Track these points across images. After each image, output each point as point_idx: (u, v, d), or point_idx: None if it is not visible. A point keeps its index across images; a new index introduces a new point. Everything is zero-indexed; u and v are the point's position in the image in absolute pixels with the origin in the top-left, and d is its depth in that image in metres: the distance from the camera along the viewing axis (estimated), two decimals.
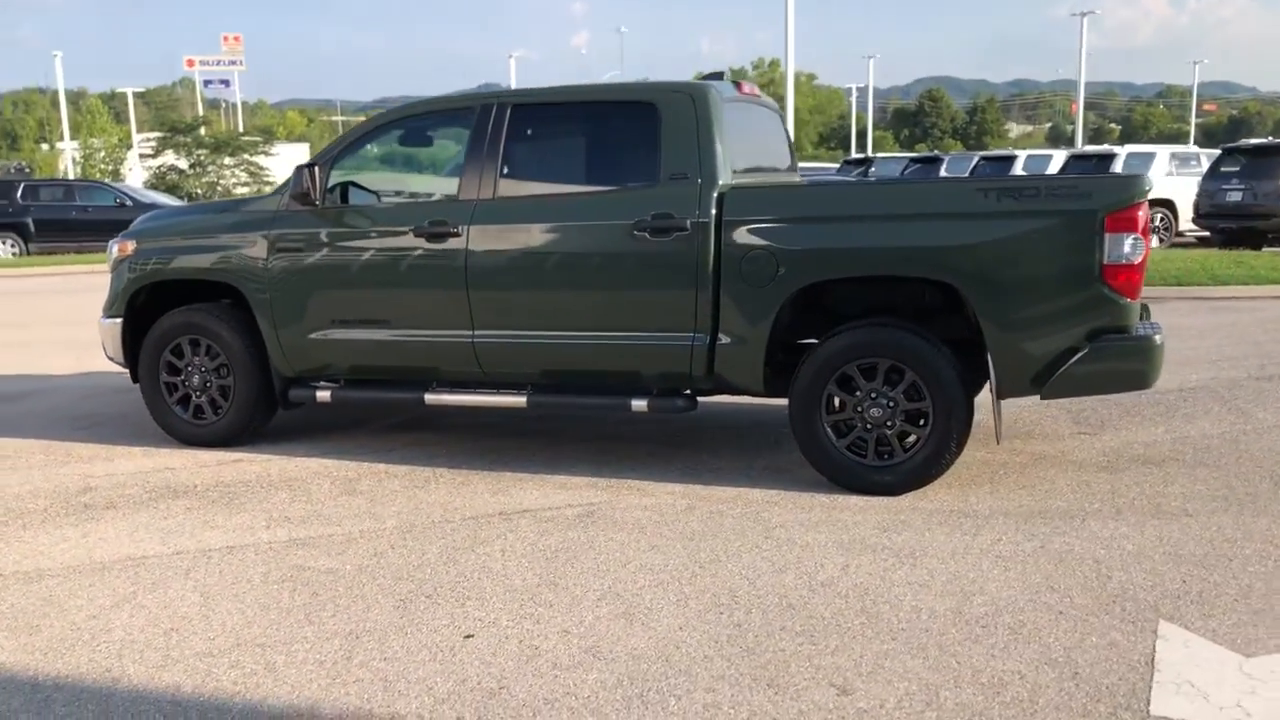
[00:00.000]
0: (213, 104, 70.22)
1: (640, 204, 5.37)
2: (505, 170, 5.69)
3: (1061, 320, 4.92)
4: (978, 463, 5.74)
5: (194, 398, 6.45)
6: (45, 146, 59.37)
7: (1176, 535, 4.58)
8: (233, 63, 63.89)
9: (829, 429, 5.21)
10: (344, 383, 6.17)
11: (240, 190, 33.32)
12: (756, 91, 6.17)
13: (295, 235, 5.99)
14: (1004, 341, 4.97)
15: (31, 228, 21.78)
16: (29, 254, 21.65)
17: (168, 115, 58.12)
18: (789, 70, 27.20)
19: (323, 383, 6.19)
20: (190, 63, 63.80)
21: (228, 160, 34.15)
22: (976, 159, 28.05)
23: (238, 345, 6.26)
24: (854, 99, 78.40)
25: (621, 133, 5.73)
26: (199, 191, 33.17)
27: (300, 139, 72.39)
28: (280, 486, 5.63)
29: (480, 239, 5.62)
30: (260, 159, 35.02)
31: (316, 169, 5.89)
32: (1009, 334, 4.97)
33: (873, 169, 31.67)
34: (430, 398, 5.91)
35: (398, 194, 6.49)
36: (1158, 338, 4.93)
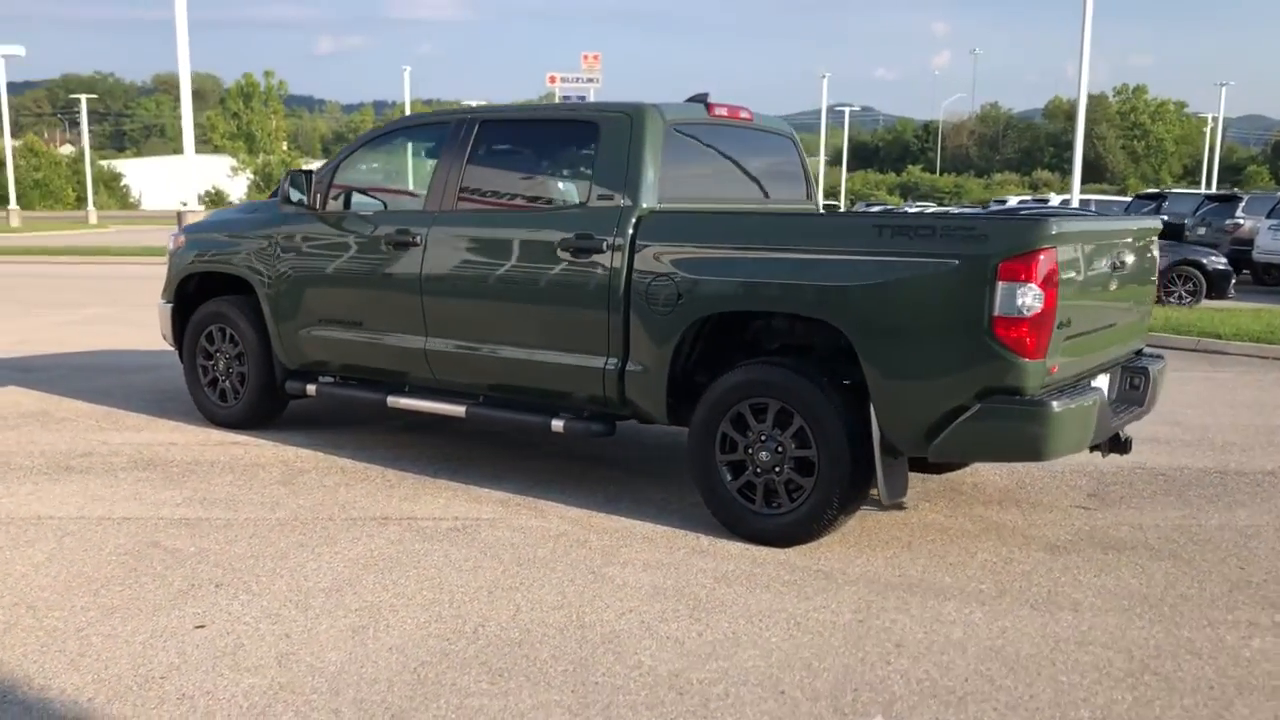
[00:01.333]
0: None
1: (568, 223, 5.34)
2: (464, 183, 5.80)
3: (947, 374, 4.42)
4: (917, 524, 5.26)
5: (219, 381, 6.98)
6: None
7: (1017, 628, 4.00)
8: (590, 80, 67.71)
9: (724, 468, 4.93)
10: (337, 380, 6.47)
11: None
12: (743, 115, 5.89)
13: (293, 235, 6.37)
14: (887, 391, 4.52)
15: None
16: None
17: None
18: (1081, 95, 25.42)
19: (321, 378, 6.52)
20: (552, 79, 68.19)
21: None
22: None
23: (251, 336, 6.73)
24: (1215, 129, 71.66)
25: (567, 151, 5.78)
26: None
27: None
28: (235, 470, 6.03)
29: (434, 248, 5.76)
30: None
31: (313, 174, 6.27)
32: (892, 383, 4.52)
33: (1165, 204, 28.94)
34: (390, 401, 6.09)
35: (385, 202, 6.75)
36: (1057, 404, 4.30)
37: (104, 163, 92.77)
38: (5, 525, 4.99)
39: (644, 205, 5.15)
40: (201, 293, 7.19)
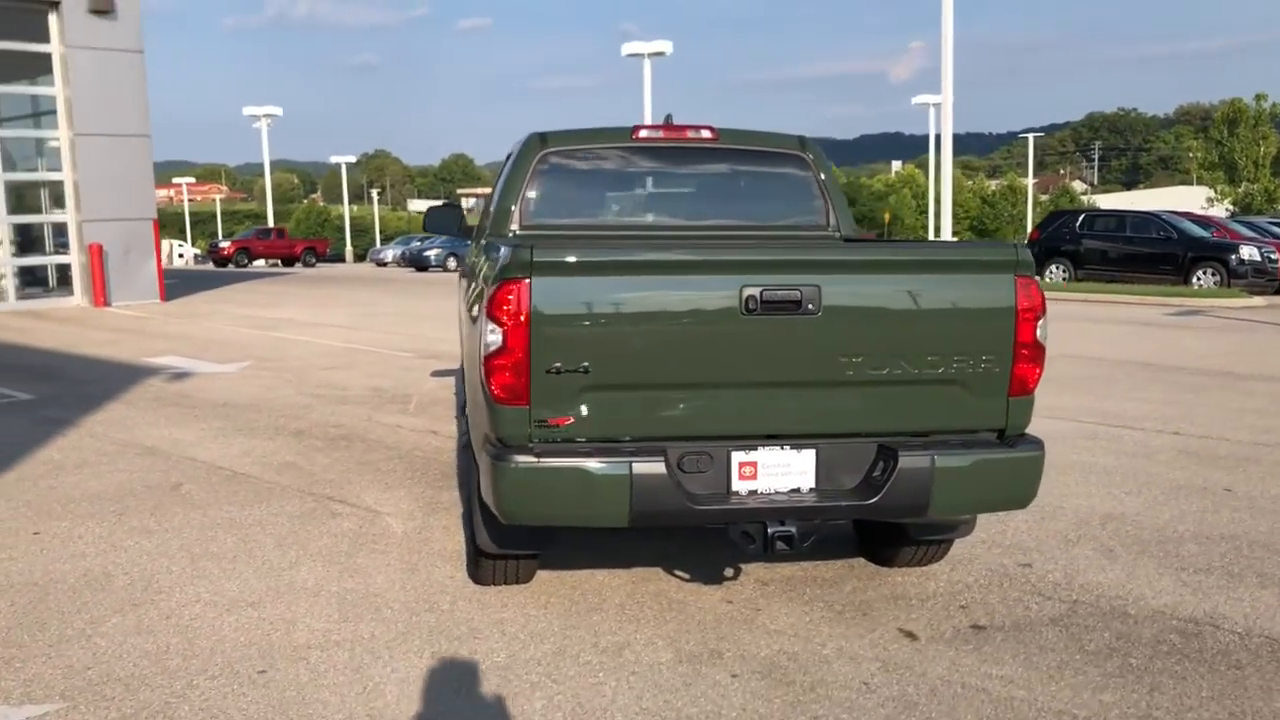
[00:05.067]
0: None
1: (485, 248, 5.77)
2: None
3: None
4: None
5: None
6: None
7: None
8: None
9: None
10: None
11: None
12: (692, 134, 5.59)
13: None
14: None
15: (1081, 255, 23.23)
16: (1076, 279, 23.17)
17: None
18: None
19: None
20: None
21: None
22: None
23: None
24: None
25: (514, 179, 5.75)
26: None
27: None
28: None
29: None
30: None
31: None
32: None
33: None
34: None
35: None
36: (520, 459, 3.75)
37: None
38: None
39: (509, 229, 5.38)
40: None
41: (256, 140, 47.36)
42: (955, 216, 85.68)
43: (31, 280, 20.02)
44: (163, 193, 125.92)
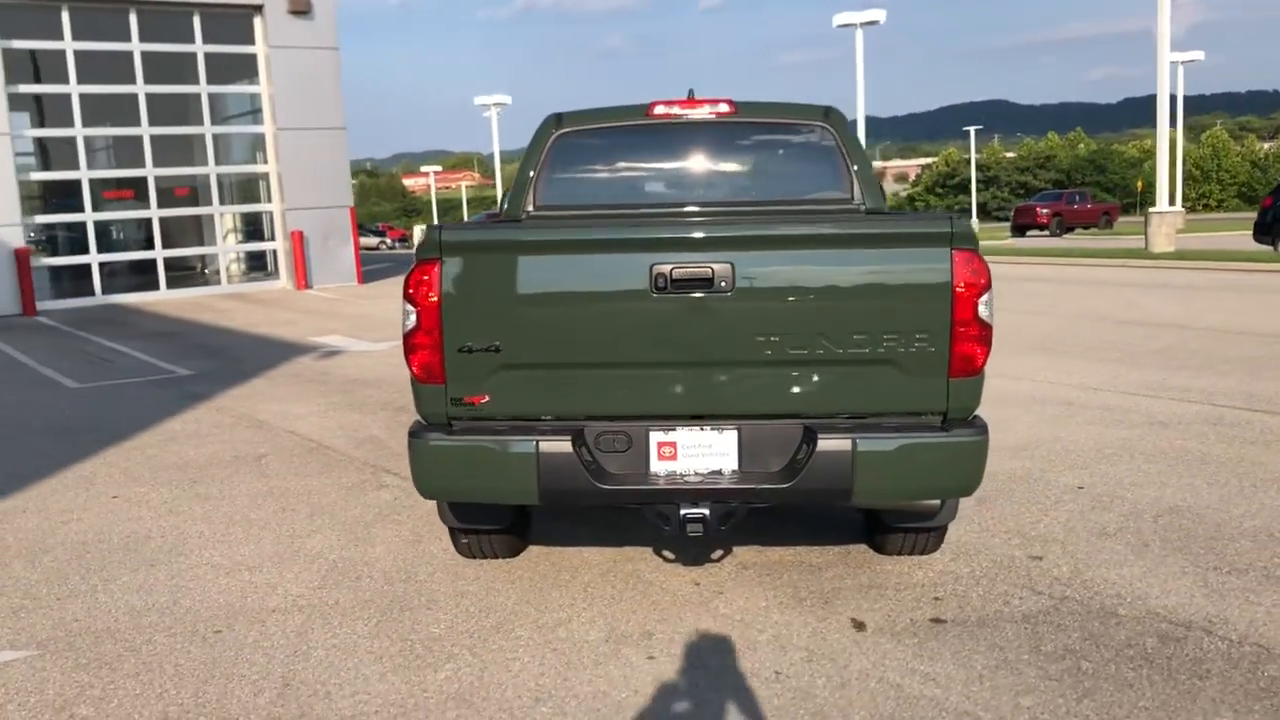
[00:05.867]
0: None
1: None
2: None
3: None
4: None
5: None
6: None
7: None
8: None
9: None
10: None
11: None
12: (709, 110, 5.49)
13: None
14: None
15: None
16: None
17: None
18: None
19: None
20: None
21: None
22: None
23: None
24: None
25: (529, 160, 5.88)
26: None
27: None
28: None
29: None
30: None
31: None
32: None
33: None
34: None
35: None
36: (432, 438, 3.86)
37: None
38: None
39: (523, 211, 5.49)
40: None
41: (504, 128, 49.42)
42: (1221, 183, 79.10)
43: (253, 265, 21.80)
44: (411, 181, 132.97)
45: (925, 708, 3.33)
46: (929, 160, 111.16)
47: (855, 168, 5.32)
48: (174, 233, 20.44)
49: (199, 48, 19.50)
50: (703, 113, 5.41)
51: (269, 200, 20.68)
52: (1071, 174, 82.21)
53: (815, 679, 3.54)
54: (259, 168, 20.84)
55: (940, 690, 3.44)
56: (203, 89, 19.72)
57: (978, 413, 3.87)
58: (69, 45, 18.22)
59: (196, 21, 19.32)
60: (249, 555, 4.97)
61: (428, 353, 3.74)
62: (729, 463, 3.78)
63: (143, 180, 19.45)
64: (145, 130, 19.19)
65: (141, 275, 19.82)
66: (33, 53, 18.61)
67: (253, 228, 22.00)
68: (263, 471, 6.52)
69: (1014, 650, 3.71)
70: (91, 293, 18.88)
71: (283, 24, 19.77)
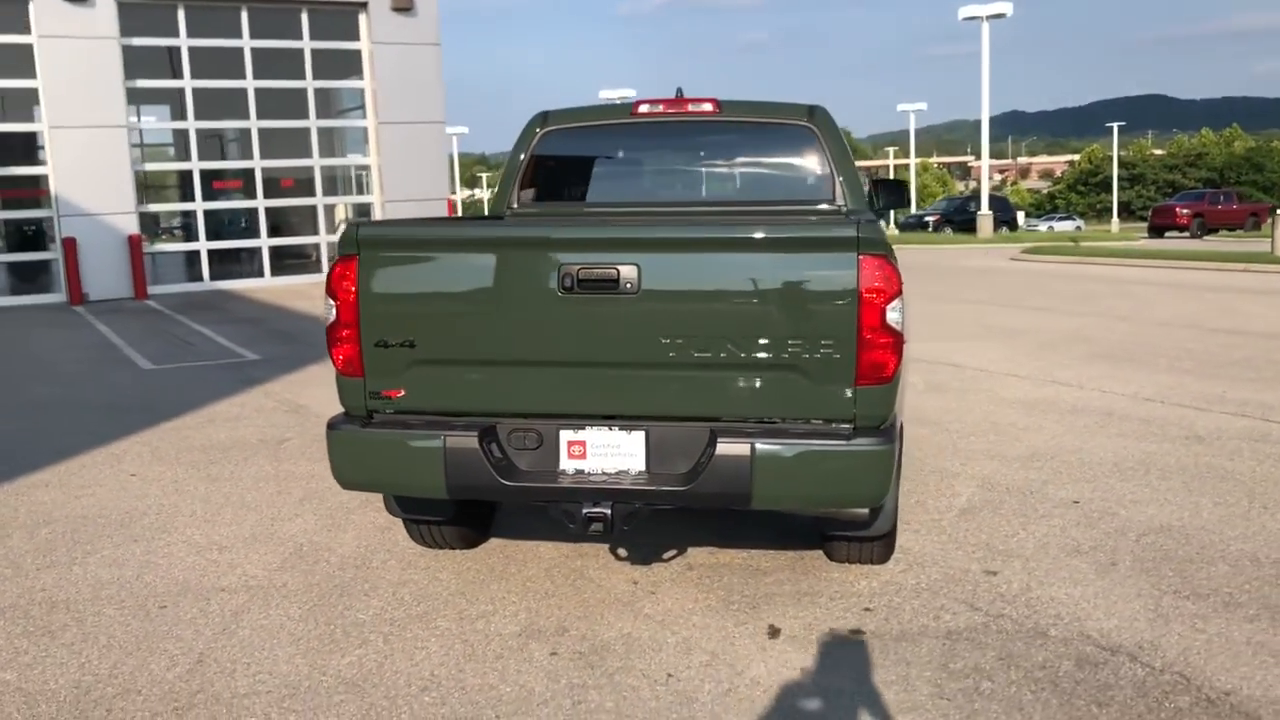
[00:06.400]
0: None
1: None
2: None
3: None
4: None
5: None
6: None
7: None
8: None
9: None
10: None
11: None
12: (693, 108, 5.49)
13: None
14: None
15: None
16: None
17: None
18: None
19: None
20: None
21: None
22: None
23: None
24: None
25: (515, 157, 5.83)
26: None
27: None
28: None
29: None
30: None
31: None
32: None
33: None
34: None
35: None
36: (346, 427, 3.98)
37: None
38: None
39: (505, 209, 5.58)
40: None
41: None
42: None
43: None
44: None
45: (809, 716, 3.28)
46: (1074, 156, 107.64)
47: (837, 168, 5.24)
48: (281, 222, 21.24)
49: (306, 44, 20.20)
50: (686, 112, 5.40)
51: (369, 192, 21.29)
52: (1224, 173, 78.48)
53: (704, 684, 3.52)
54: (361, 160, 21.48)
55: (821, 703, 3.39)
56: (309, 84, 20.42)
57: (900, 420, 3.78)
58: (184, 43, 19.10)
59: (304, 19, 20.01)
60: (225, 535, 5.17)
61: (347, 346, 3.84)
62: (636, 463, 3.78)
63: (250, 172, 20.26)
64: (254, 124, 19.99)
65: (247, 263, 20.67)
66: (169, 49, 19.50)
67: (357, 217, 22.69)
68: (278, 456, 6.76)
69: (920, 667, 3.62)
70: (200, 278, 19.78)
71: (386, 20, 20.33)
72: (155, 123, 21.45)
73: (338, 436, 3.91)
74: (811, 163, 5.34)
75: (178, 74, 19.38)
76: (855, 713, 3.31)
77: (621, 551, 4.80)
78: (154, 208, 20.64)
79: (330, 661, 3.74)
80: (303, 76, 20.36)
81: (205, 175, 19.94)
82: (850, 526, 4.19)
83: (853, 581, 4.41)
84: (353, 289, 3.79)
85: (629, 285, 3.60)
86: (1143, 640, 3.78)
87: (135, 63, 18.90)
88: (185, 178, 19.90)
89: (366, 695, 3.48)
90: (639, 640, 3.87)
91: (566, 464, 3.82)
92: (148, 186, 20.31)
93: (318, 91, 20.77)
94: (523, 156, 5.53)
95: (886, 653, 3.73)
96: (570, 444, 3.81)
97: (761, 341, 3.59)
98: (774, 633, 3.92)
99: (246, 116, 19.98)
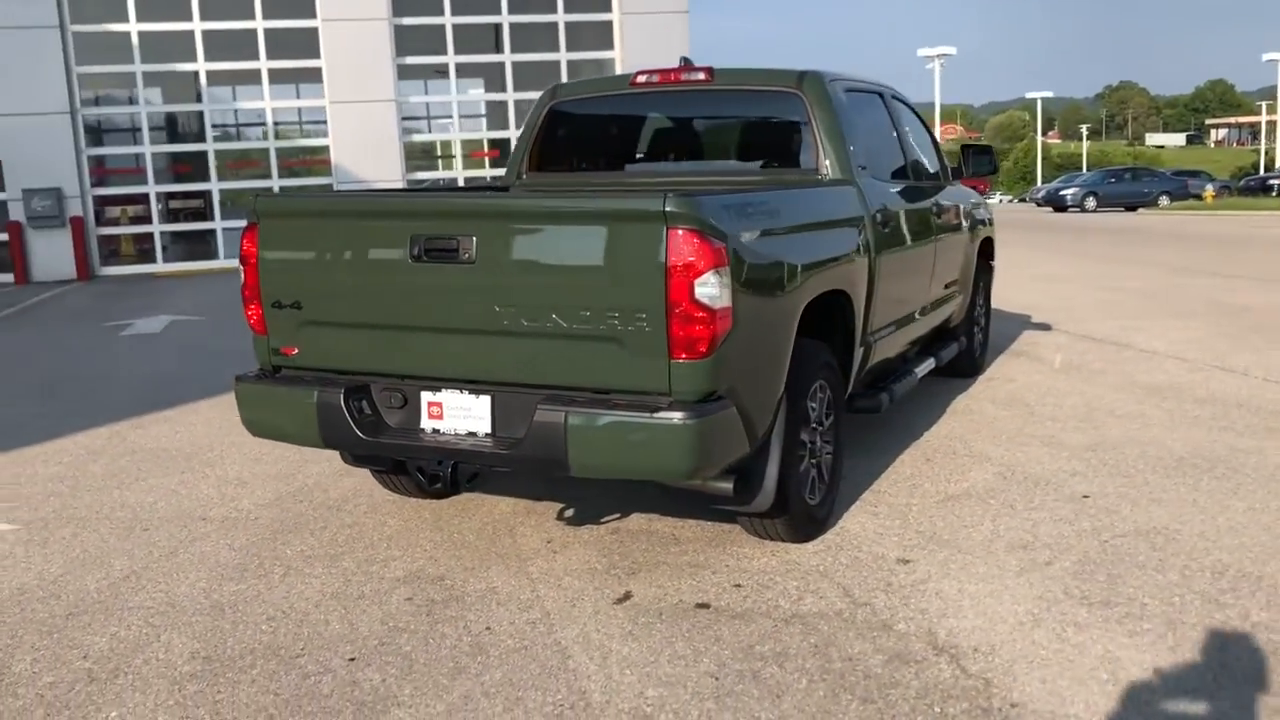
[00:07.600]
0: None
1: None
2: None
3: None
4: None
5: None
6: None
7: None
8: None
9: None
10: None
11: None
12: (686, 76, 5.51)
13: None
14: None
15: None
16: None
17: None
18: None
19: None
20: None
21: None
22: None
23: None
24: None
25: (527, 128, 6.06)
26: None
27: None
28: None
29: None
30: None
31: None
32: None
33: None
34: None
35: None
36: (244, 383, 4.43)
37: None
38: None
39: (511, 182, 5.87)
40: None
41: (950, 80, 48.49)
42: None
43: None
44: None
45: (563, 677, 3.37)
46: None
47: (824, 136, 5.10)
48: None
49: (560, 17, 21.12)
50: (682, 82, 5.42)
51: None
52: None
53: (508, 638, 3.67)
54: None
55: (595, 665, 3.45)
56: (562, 56, 21.36)
57: (723, 396, 3.71)
58: (448, 20, 20.54)
59: None
60: (255, 472, 5.79)
61: (253, 306, 4.26)
62: (484, 426, 3.95)
63: (505, 142, 21.54)
64: (510, 96, 21.20)
65: None
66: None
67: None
68: None
69: (726, 646, 3.58)
70: None
71: None
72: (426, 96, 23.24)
73: (239, 389, 4.35)
74: (796, 129, 5.21)
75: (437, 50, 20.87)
76: (613, 677, 3.35)
77: (570, 513, 4.96)
78: (419, 175, 22.40)
79: (222, 588, 4.19)
80: (556, 49, 21.31)
81: (465, 146, 21.41)
82: (723, 501, 4.16)
83: (751, 558, 4.36)
84: (253, 255, 4.19)
85: (467, 255, 3.77)
86: (985, 644, 3.54)
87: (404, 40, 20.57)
88: (445, 148, 21.44)
89: (224, 618, 3.90)
90: (497, 594, 4.05)
91: (426, 423, 4.06)
92: (412, 156, 22.07)
93: (570, 64, 21.66)
94: (534, 127, 5.74)
95: (705, 630, 3.70)
96: (430, 404, 4.04)
97: (583, 314, 3.65)
98: (624, 599, 3.98)
99: (503, 89, 21.19)
